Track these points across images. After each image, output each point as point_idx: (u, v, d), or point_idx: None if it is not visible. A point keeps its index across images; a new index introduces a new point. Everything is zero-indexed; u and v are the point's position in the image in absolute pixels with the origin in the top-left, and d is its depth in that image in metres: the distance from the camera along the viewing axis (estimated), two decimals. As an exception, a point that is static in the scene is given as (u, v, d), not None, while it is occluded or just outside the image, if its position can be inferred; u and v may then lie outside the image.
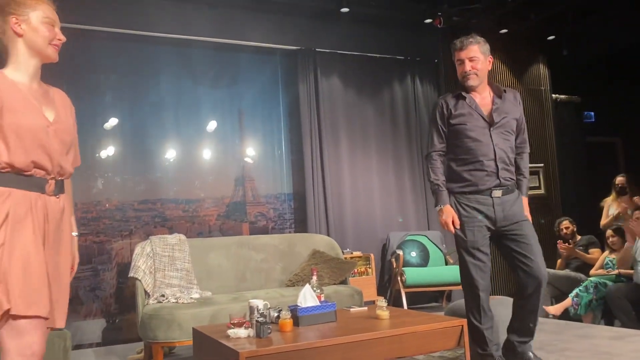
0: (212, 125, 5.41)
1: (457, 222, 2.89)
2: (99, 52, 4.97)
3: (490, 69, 3.02)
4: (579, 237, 5.41)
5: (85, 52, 4.87)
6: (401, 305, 5.06)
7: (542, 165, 6.70)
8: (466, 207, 2.89)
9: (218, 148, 5.41)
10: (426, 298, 5.88)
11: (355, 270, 5.28)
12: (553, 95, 7.05)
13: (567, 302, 4.63)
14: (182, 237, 4.11)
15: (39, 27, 1.80)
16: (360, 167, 5.81)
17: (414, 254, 5.54)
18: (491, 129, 2.92)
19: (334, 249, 4.54)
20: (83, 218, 4.67)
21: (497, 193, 2.89)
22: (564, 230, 5.42)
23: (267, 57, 5.73)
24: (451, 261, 5.63)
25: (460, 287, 5.24)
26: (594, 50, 7.12)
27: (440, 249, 5.68)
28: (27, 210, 1.67)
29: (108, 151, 4.93)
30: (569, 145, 7.35)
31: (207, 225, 5.24)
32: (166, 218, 5.05)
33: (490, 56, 3.00)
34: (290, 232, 5.56)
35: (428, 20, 5.77)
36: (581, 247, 5.26)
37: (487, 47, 2.99)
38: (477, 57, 2.92)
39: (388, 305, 2.94)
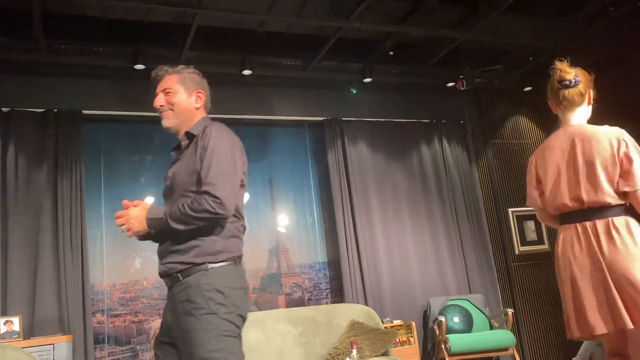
0: (244, 198, 5.48)
1: None
2: (136, 135, 5.19)
3: (198, 106, 2.25)
4: None
5: (123, 136, 5.11)
6: (447, 375, 4.83)
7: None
8: None
9: (251, 220, 5.46)
10: (473, 366, 5.61)
11: (397, 340, 5.10)
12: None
13: None
14: (219, 313, 4.07)
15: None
16: (394, 232, 5.74)
17: (456, 319, 5.35)
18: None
19: (373, 318, 4.42)
20: (121, 298, 4.71)
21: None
22: None
23: (296, 129, 5.88)
24: (496, 325, 5.41)
25: (508, 353, 5.05)
26: (621, 99, 7.06)
27: (483, 312, 5.48)
28: None
29: (145, 230, 5.03)
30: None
31: (244, 300, 5.19)
32: (202, 294, 5.04)
33: (201, 90, 2.27)
34: (327, 302, 5.46)
35: (450, 84, 5.86)
36: None
37: (195, 79, 2.26)
38: (172, 89, 2.21)
39: (434, 377, 2.81)
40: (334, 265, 5.57)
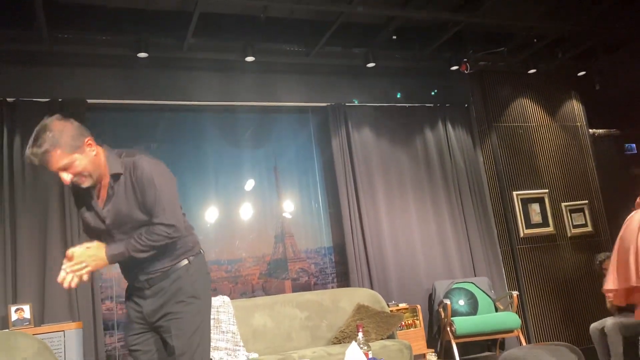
0: (249, 184, 5.53)
1: None
2: (140, 123, 5.22)
3: (95, 152, 2.16)
4: None
5: (128, 124, 5.14)
6: (453, 357, 4.88)
7: (586, 201, 6.51)
8: None
9: (256, 206, 5.50)
10: (478, 348, 5.66)
11: (403, 323, 5.14)
12: (590, 130, 6.93)
13: None
14: (226, 299, 4.13)
15: None
16: (399, 216, 5.77)
17: (462, 302, 5.39)
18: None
19: (379, 302, 4.47)
20: (129, 285, 4.76)
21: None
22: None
23: (300, 115, 5.89)
24: (501, 307, 5.45)
25: (513, 334, 5.10)
26: (628, 82, 7.03)
27: (488, 295, 5.51)
28: None
29: (151, 218, 5.07)
30: (612, 179, 7.15)
31: (250, 285, 5.26)
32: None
33: (84, 138, 2.13)
34: (332, 287, 5.51)
35: (454, 67, 5.84)
36: None
37: (70, 134, 2.10)
38: (69, 164, 2.10)
39: (439, 357, 2.85)
40: (339, 250, 5.61)
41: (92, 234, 2.31)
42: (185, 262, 2.29)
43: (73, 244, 4.46)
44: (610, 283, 2.56)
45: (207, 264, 2.45)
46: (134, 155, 2.25)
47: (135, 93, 5.07)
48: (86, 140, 2.14)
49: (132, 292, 2.36)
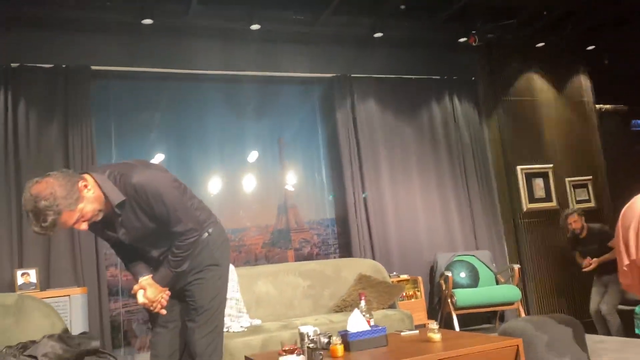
0: (253, 155, 5.52)
1: None
2: (144, 92, 5.19)
3: (92, 190, 2.11)
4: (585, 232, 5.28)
5: (132, 92, 5.11)
6: (453, 328, 4.94)
7: (590, 177, 6.50)
8: None
9: (260, 177, 5.50)
10: (478, 319, 5.72)
11: (404, 294, 5.20)
12: (597, 105, 6.87)
13: None
14: (231, 266, 4.16)
15: None
16: (403, 189, 5.77)
17: (463, 274, 5.43)
18: None
19: (380, 272, 4.51)
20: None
21: None
22: (573, 226, 5.26)
23: (305, 86, 5.84)
24: (502, 280, 5.49)
25: (513, 307, 5.15)
26: (638, 58, 6.94)
27: (490, 268, 5.55)
28: None
29: (155, 186, 5.08)
30: (618, 155, 7.12)
31: (254, 254, 5.30)
32: (213, 249, 5.14)
33: (77, 180, 2.07)
34: (334, 257, 5.55)
35: (462, 40, 5.76)
36: (598, 245, 5.13)
37: (63, 184, 2.03)
38: (76, 217, 2.07)
39: (439, 328, 2.88)
40: (342, 221, 5.63)
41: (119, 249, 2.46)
42: (206, 235, 2.41)
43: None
44: (625, 259, 2.56)
45: (225, 232, 2.54)
46: (125, 171, 2.16)
47: (139, 60, 5.03)
48: (79, 186, 2.06)
49: None
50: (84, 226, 2.11)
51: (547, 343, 3.05)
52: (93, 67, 4.84)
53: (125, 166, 2.22)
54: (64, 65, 4.73)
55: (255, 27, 5.02)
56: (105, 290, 4.56)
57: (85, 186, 2.09)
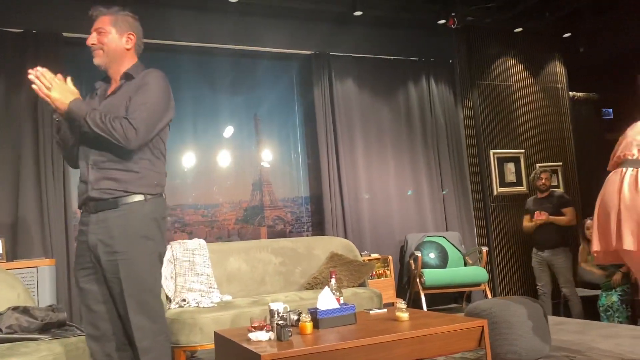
0: (229, 131, 5.47)
1: None
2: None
3: (129, 48, 2.32)
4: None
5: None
6: (420, 307, 5.04)
7: (560, 163, 6.64)
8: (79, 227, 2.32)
9: (235, 153, 5.46)
10: (446, 299, 5.86)
11: (374, 273, 5.28)
12: (570, 93, 6.99)
13: None
14: (202, 242, 4.15)
15: None
16: (377, 169, 5.81)
17: (432, 255, 5.53)
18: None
19: (352, 251, 4.55)
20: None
21: (91, 208, 2.20)
22: (544, 181, 5.50)
23: (282, 63, 5.77)
24: (470, 262, 5.61)
25: (480, 288, 5.27)
26: (611, 47, 7.05)
27: (459, 249, 5.66)
28: None
29: (127, 158, 5.01)
30: (588, 143, 7.28)
31: (226, 230, 5.29)
32: (185, 223, 5.12)
33: (132, 33, 2.34)
34: (307, 235, 5.58)
35: (442, 21, 5.76)
36: (554, 205, 5.40)
37: (128, 21, 2.34)
38: (105, 29, 2.30)
39: (407, 307, 2.94)
40: (316, 200, 5.66)
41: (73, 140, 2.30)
42: (140, 197, 2.18)
43: (47, 180, 4.42)
44: (595, 245, 2.64)
45: (166, 210, 2.32)
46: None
47: (113, 29, 4.90)
48: (130, 33, 2.32)
49: (81, 217, 2.26)
50: (93, 39, 2.29)
51: (511, 324, 3.14)
52: (65, 34, 4.70)
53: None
54: (34, 31, 4.58)
55: (233, -1, 4.93)
56: (74, 262, 4.50)
57: (131, 38, 2.32)
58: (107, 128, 2.09)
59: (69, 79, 2.20)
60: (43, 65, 2.23)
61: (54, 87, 2.12)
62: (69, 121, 2.20)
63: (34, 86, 2.13)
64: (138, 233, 2.15)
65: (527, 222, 5.57)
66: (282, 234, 5.47)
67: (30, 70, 2.14)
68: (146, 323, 2.11)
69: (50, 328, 2.82)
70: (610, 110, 7.86)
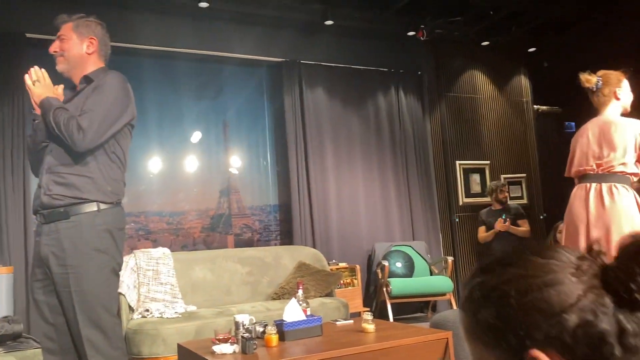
0: (196, 136, 5.40)
1: None
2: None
3: (91, 52, 2.34)
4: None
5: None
6: (387, 316, 5.06)
7: (524, 175, 6.78)
8: None
9: (202, 160, 5.39)
10: (412, 308, 5.90)
11: (342, 282, 5.27)
12: (535, 106, 7.16)
13: None
14: (167, 251, 4.08)
15: None
16: (346, 178, 5.83)
17: (399, 264, 5.56)
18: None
19: (320, 260, 4.55)
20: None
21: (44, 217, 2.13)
22: (505, 194, 5.70)
23: (252, 69, 5.74)
24: (436, 271, 5.66)
25: (445, 298, 5.32)
26: (575, 63, 7.23)
27: (425, 259, 5.71)
28: None
29: (91, 164, 4.89)
30: (551, 155, 7.46)
31: (192, 238, 5.21)
32: (150, 231, 5.01)
33: (94, 38, 2.34)
34: (275, 244, 5.54)
35: (411, 33, 5.83)
36: (512, 216, 5.56)
37: (89, 27, 2.35)
38: (66, 36, 2.31)
39: (374, 316, 2.94)
40: (285, 208, 5.63)
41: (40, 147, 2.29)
42: (93, 207, 2.10)
43: (5, 183, 4.27)
44: None
45: (123, 220, 2.24)
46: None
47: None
48: (91, 38, 2.32)
49: (36, 227, 2.20)
50: (54, 47, 2.32)
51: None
52: (28, 35, 4.57)
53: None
54: (-5, 31, 4.44)
55: (204, 4, 4.87)
56: (33, 270, 4.36)
57: (92, 42, 2.33)
58: (60, 124, 2.09)
59: (61, 86, 2.33)
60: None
61: (40, 83, 2.21)
62: (43, 116, 2.19)
63: (26, 76, 2.23)
64: (90, 246, 2.08)
65: (482, 233, 5.68)
66: (249, 243, 5.42)
67: (30, 70, 2.25)
68: (99, 338, 2.04)
69: (6, 340, 2.72)
70: (573, 123, 8.07)
